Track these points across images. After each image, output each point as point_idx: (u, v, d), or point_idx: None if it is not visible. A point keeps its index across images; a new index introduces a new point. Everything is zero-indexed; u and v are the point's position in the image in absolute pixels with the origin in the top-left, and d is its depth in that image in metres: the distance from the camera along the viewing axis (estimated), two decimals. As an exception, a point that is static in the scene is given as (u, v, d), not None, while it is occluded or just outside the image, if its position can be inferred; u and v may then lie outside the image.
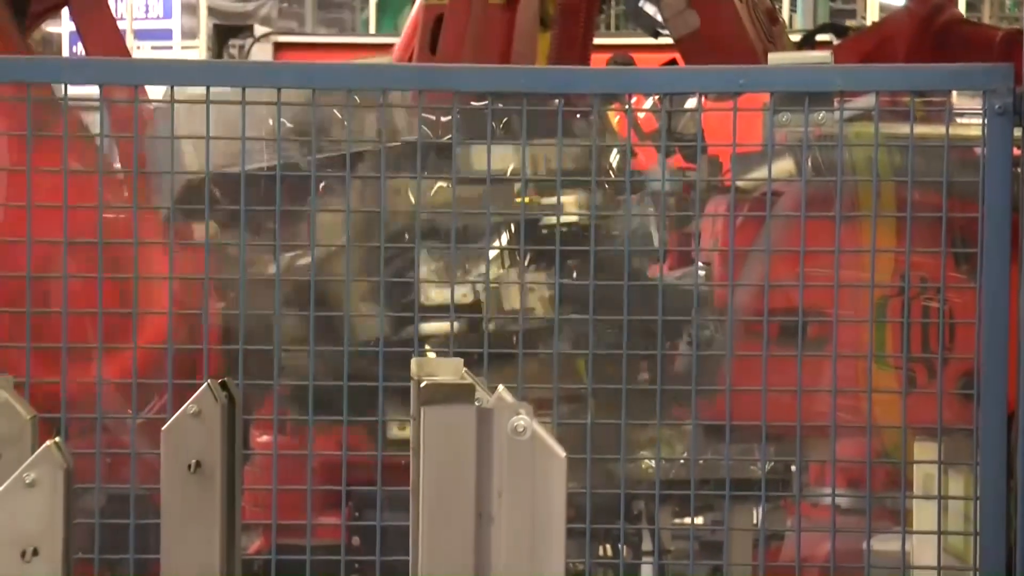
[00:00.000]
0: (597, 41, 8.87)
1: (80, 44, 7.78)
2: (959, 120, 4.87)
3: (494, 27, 7.63)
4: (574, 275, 5.13)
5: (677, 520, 5.56)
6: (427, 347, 5.14)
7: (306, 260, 5.21)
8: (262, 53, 16.11)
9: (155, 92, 5.50)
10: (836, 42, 8.76)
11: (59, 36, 19.63)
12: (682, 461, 5.18)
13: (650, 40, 8.45)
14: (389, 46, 9.39)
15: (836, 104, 4.83)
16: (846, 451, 5.07)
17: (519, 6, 7.65)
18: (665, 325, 4.91)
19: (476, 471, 3.05)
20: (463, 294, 5.20)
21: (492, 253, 5.35)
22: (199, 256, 5.06)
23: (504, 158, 5.20)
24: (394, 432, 5.11)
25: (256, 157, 5.18)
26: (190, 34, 25.65)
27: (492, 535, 3.05)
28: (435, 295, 5.22)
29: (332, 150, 5.26)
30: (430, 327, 5.23)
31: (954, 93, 4.99)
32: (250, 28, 18.52)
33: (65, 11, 7.67)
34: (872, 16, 24.50)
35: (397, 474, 4.82)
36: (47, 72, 5.27)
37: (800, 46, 8.83)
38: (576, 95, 5.05)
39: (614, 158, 5.40)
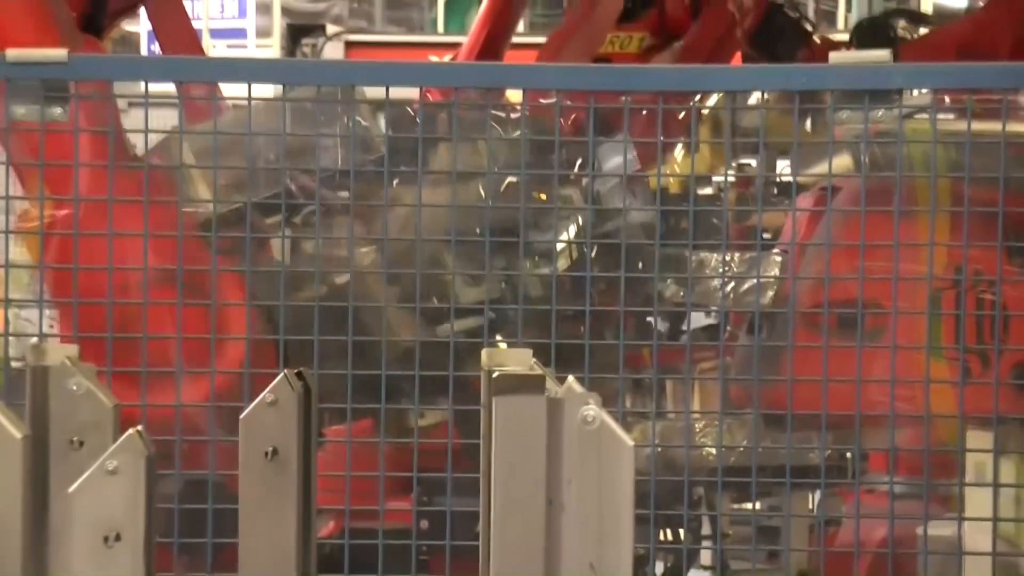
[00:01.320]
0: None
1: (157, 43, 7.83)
2: (1017, 116, 4.85)
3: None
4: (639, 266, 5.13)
5: (736, 506, 5.57)
6: (498, 337, 5.14)
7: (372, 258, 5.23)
8: (334, 51, 16.13)
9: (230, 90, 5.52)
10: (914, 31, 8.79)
11: (137, 35, 19.68)
12: (741, 449, 5.18)
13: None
14: (457, 44, 9.43)
15: (895, 101, 4.81)
16: (901, 440, 5.07)
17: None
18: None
19: (546, 459, 3.05)
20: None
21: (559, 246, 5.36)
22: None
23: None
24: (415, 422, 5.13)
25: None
26: (264, 33, 25.73)
27: (562, 522, 3.05)
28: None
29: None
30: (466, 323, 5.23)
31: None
32: (322, 27, 18.55)
33: (143, 10, 7.67)
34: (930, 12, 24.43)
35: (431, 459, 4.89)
36: (127, 70, 5.30)
37: (861, 36, 8.84)
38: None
39: None
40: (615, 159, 5.39)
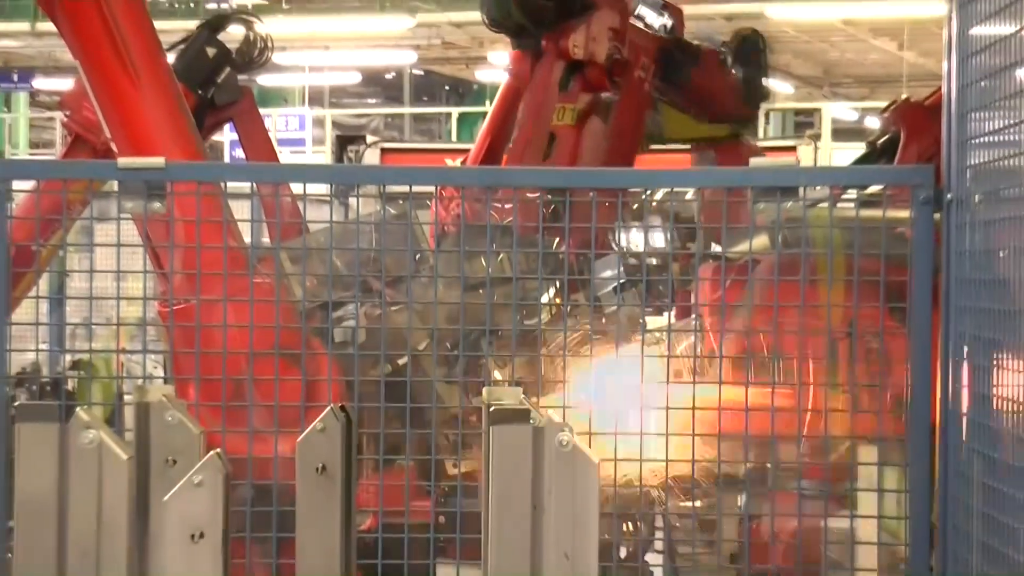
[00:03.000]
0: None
1: (240, 149, 7.83)
2: (895, 207, 4.85)
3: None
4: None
5: (681, 505, 5.53)
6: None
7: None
8: (372, 156, 16.13)
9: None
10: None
11: (221, 143, 19.75)
12: (686, 458, 5.16)
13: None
14: (467, 149, 9.38)
15: (801, 195, 4.81)
16: (809, 454, 5.04)
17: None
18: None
19: (532, 473, 3.05)
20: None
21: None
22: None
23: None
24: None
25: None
26: (319, 142, 25.85)
27: (543, 521, 3.05)
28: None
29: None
30: None
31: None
32: (363, 137, 18.55)
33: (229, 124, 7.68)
34: (827, 127, 24.52)
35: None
36: (211, 173, 5.29)
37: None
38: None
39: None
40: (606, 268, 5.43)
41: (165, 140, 5.40)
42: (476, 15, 8.27)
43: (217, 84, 7.15)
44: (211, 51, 7.18)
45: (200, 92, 7.08)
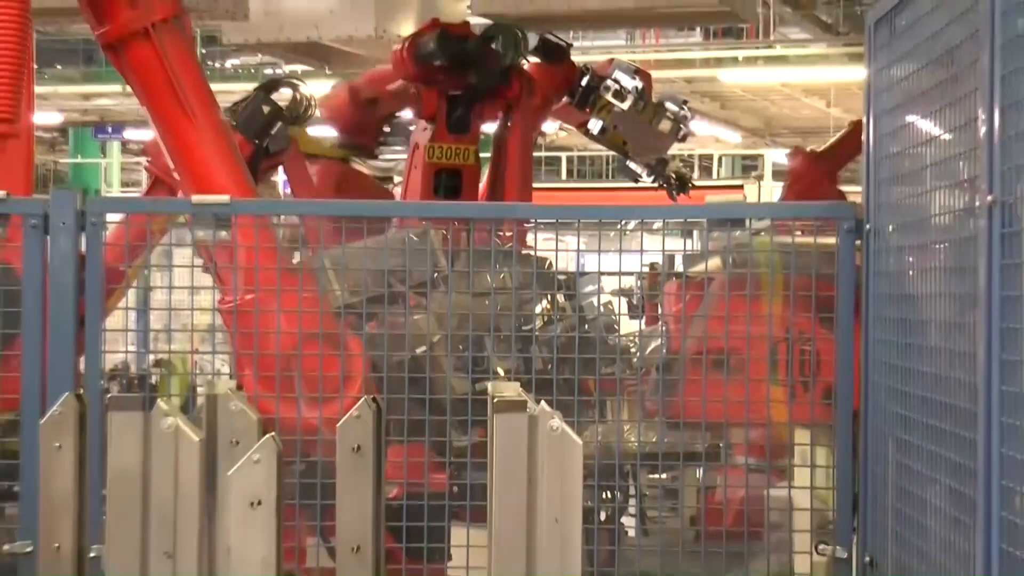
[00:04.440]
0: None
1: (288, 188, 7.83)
2: (823, 235, 4.84)
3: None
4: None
5: (651, 476, 5.52)
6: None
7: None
8: (398, 193, 16.07)
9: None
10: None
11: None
12: (653, 441, 5.14)
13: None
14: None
15: (746, 226, 4.81)
16: (754, 436, 5.03)
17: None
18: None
19: (527, 453, 3.03)
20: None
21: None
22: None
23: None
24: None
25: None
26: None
27: (538, 492, 3.04)
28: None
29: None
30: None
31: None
32: (391, 178, 18.49)
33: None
34: (768, 169, 24.49)
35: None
36: (266, 208, 5.30)
37: None
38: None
39: None
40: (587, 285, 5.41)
41: (220, 172, 5.39)
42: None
43: (270, 135, 7.14)
44: (266, 108, 7.17)
45: (256, 142, 7.08)
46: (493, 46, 7.47)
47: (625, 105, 7.61)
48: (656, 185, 8.61)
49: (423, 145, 7.46)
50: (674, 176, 8.58)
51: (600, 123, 7.68)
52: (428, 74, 7.33)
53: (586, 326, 5.25)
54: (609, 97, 7.62)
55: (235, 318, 5.02)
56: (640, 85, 7.70)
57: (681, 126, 7.81)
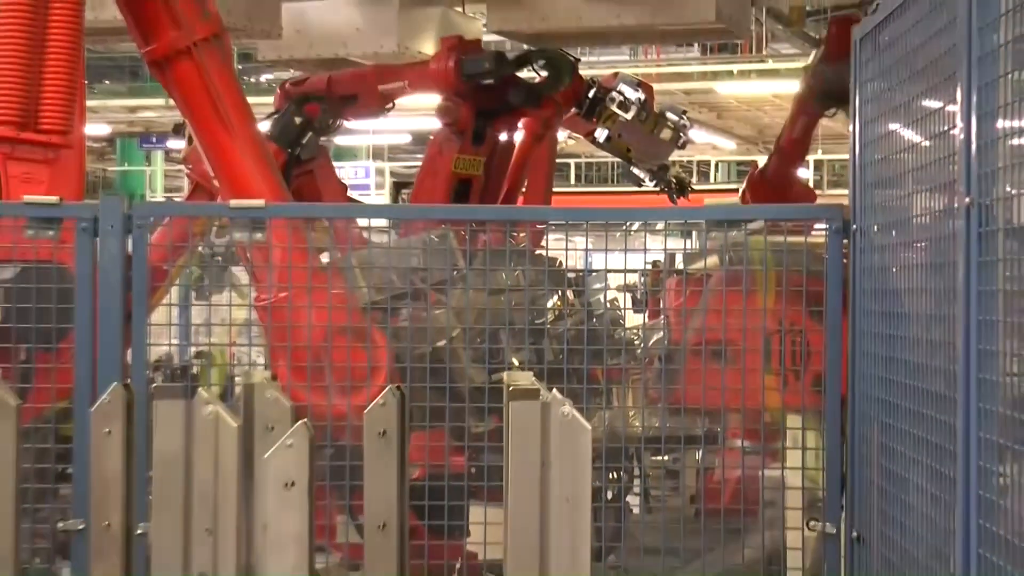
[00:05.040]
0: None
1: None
2: (814, 234, 4.82)
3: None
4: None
5: (654, 458, 5.50)
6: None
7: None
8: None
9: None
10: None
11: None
12: (656, 426, 5.13)
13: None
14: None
15: (742, 226, 4.79)
16: (749, 421, 5.01)
17: None
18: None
19: (540, 437, 3.03)
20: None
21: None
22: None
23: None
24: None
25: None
26: (379, 187, 25.81)
27: (550, 474, 3.03)
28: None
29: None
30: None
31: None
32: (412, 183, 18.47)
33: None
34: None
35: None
36: (297, 211, 5.29)
37: None
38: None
39: None
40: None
41: (256, 178, 5.39)
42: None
43: (302, 144, 7.14)
44: (298, 120, 7.17)
45: (289, 150, 7.07)
46: (535, 69, 7.44)
47: (629, 115, 7.59)
48: (658, 189, 8.60)
49: (450, 155, 7.40)
50: (674, 180, 8.58)
51: (606, 132, 7.65)
52: (469, 89, 7.30)
53: (594, 320, 5.25)
54: (614, 108, 7.59)
55: (270, 313, 5.03)
56: (643, 97, 7.68)
57: (681, 134, 7.79)
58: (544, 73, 7.48)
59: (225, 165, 5.41)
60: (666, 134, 7.76)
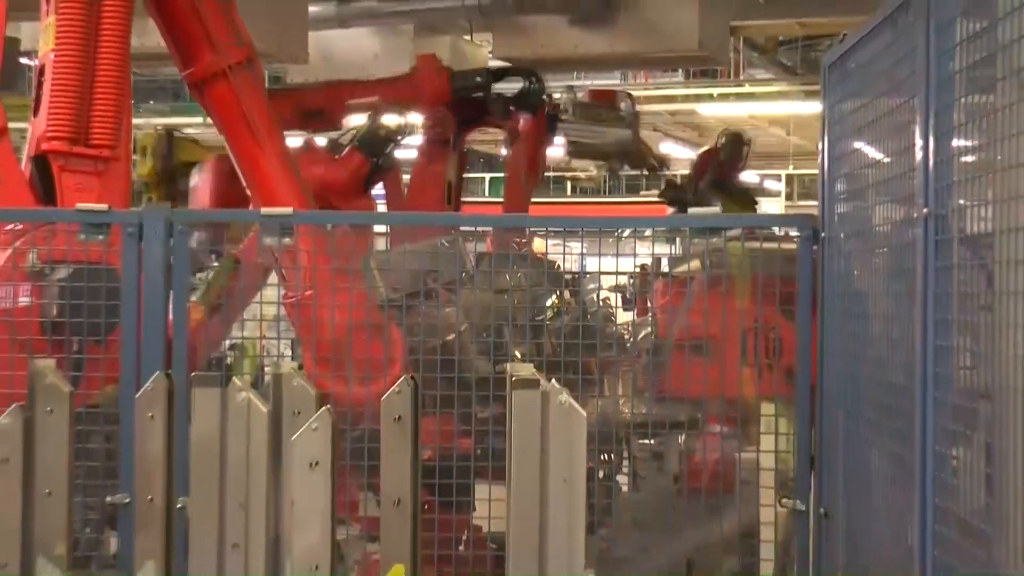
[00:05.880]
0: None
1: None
2: (787, 240, 4.81)
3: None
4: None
5: (641, 442, 5.49)
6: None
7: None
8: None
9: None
10: None
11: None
12: (644, 412, 5.11)
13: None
14: (498, 202, 9.20)
15: (722, 233, 4.78)
16: (728, 409, 4.99)
17: None
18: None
19: (540, 424, 3.01)
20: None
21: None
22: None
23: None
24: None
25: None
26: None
27: (549, 457, 3.02)
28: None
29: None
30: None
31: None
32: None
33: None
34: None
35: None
36: (324, 218, 5.27)
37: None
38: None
39: None
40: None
41: (284, 188, 5.39)
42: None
43: (385, 154, 7.07)
44: (382, 132, 7.07)
45: (374, 160, 6.98)
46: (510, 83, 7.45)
47: (570, 113, 7.59)
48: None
49: (440, 164, 7.36)
50: (655, 161, 8.56)
51: (562, 137, 7.68)
52: (455, 102, 7.29)
53: (588, 317, 5.23)
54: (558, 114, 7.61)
55: (297, 310, 5.02)
56: (633, 109, 7.67)
57: (631, 116, 7.77)
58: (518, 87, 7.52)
59: (256, 177, 5.40)
60: (619, 119, 7.72)
